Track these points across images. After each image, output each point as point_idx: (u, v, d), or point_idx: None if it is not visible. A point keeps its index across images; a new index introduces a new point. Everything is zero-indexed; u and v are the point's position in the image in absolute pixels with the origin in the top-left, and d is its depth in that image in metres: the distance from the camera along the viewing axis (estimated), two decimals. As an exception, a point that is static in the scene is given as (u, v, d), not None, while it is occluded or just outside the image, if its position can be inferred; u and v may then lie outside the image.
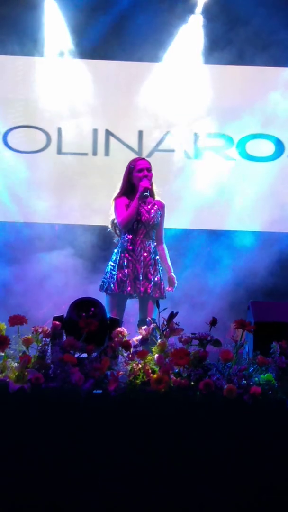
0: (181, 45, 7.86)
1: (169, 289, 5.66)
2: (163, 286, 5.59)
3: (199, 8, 7.81)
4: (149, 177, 5.59)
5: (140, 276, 5.52)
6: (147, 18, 7.60)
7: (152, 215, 5.62)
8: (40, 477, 3.44)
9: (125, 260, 5.56)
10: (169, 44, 7.86)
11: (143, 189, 5.50)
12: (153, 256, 5.59)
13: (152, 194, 5.68)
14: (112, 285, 5.54)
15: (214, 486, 3.45)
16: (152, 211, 5.63)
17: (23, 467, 3.44)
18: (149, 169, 5.61)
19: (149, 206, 5.64)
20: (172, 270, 5.74)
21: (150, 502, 3.44)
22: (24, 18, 7.59)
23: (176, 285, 5.72)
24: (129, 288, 5.51)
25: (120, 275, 5.53)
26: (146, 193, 5.52)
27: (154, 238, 5.66)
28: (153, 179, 5.71)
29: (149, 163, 5.67)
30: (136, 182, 5.59)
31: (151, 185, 5.65)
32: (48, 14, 7.80)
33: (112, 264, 5.61)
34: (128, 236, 5.60)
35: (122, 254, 5.59)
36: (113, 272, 5.57)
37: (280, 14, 7.59)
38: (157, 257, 5.63)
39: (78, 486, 3.44)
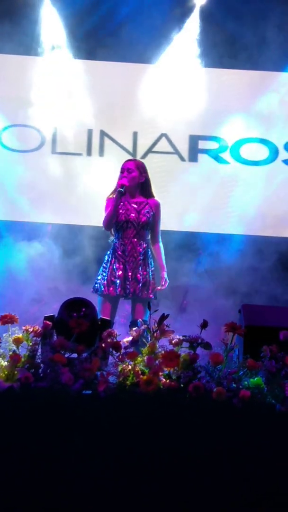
0: (177, 48, 7.87)
1: (159, 288, 5.63)
2: (152, 287, 5.56)
3: (196, 11, 7.82)
4: (129, 178, 5.56)
5: (129, 277, 5.51)
6: (144, 20, 7.61)
7: (141, 215, 5.58)
8: (29, 477, 3.43)
9: (116, 261, 5.55)
10: (165, 47, 7.87)
11: (119, 185, 5.50)
12: (142, 257, 5.57)
13: (146, 193, 5.65)
14: (102, 287, 5.53)
15: (203, 487, 3.45)
16: (143, 210, 5.60)
17: (11, 466, 3.44)
18: (130, 170, 5.58)
19: (138, 205, 5.59)
20: (166, 270, 5.69)
21: (139, 501, 3.44)
22: (20, 17, 7.59)
23: (166, 285, 5.67)
24: (119, 289, 5.50)
25: (111, 276, 5.53)
26: (121, 189, 5.50)
27: (147, 238, 5.63)
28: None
29: (135, 164, 5.64)
30: None
31: (142, 184, 5.62)
32: (44, 13, 7.80)
33: (104, 265, 5.61)
34: (119, 237, 5.59)
35: (113, 255, 5.58)
36: (104, 274, 5.56)
37: (277, 19, 7.61)
38: (149, 258, 5.60)
39: (67, 486, 3.43)
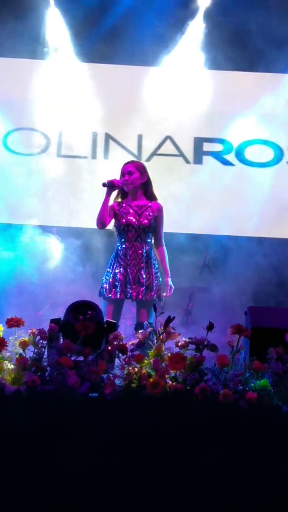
0: (181, 50, 7.89)
1: (165, 294, 5.61)
2: (155, 289, 5.53)
3: (200, 14, 7.83)
4: (129, 181, 5.56)
5: (131, 280, 5.49)
6: (149, 23, 7.62)
7: (142, 218, 5.56)
8: (34, 479, 3.44)
9: (117, 265, 5.54)
10: (169, 49, 7.89)
11: (108, 182, 5.48)
12: (145, 260, 5.54)
13: (148, 195, 5.64)
14: (104, 291, 5.53)
15: (209, 489, 3.45)
16: (145, 213, 5.58)
17: (18, 468, 3.44)
18: (130, 172, 5.58)
19: (139, 208, 5.58)
20: (170, 275, 5.67)
21: (145, 502, 3.44)
22: (25, 20, 7.61)
23: (172, 291, 5.65)
24: (120, 293, 5.48)
25: (113, 280, 5.52)
26: (104, 182, 5.48)
27: (148, 241, 5.61)
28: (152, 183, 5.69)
29: (134, 166, 5.61)
30: None
31: (144, 185, 5.60)
32: (49, 16, 7.82)
33: (108, 269, 5.60)
34: (121, 240, 5.58)
35: (115, 259, 5.57)
36: (107, 277, 5.55)
37: (281, 21, 7.61)
38: (152, 260, 5.58)
39: (73, 488, 3.43)
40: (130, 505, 3.43)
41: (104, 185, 5.49)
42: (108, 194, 5.54)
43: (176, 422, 3.49)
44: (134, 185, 5.57)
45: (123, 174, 5.60)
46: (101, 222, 5.58)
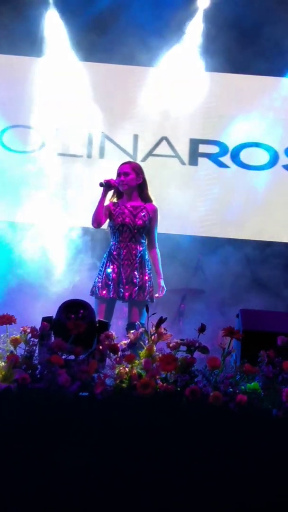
0: (179, 51, 7.90)
1: (157, 295, 5.61)
2: (148, 290, 5.54)
3: (199, 15, 7.84)
4: (125, 181, 5.56)
5: (124, 280, 5.49)
6: (147, 23, 7.63)
7: (137, 218, 5.57)
8: (24, 478, 3.43)
9: (111, 264, 5.53)
10: (167, 50, 7.89)
11: (105, 182, 5.48)
12: (139, 260, 5.55)
13: (144, 196, 5.64)
14: (97, 290, 5.52)
15: (199, 491, 3.45)
16: (140, 214, 5.58)
17: (7, 467, 3.44)
18: (126, 173, 5.58)
19: (134, 209, 5.58)
20: (162, 277, 5.67)
21: (134, 504, 3.44)
22: (23, 18, 7.61)
23: (164, 292, 5.65)
24: (112, 293, 5.47)
25: (106, 279, 5.51)
26: (101, 181, 5.48)
27: (142, 241, 5.61)
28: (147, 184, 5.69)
29: (130, 166, 5.62)
30: None
31: (139, 186, 5.61)
32: (47, 15, 7.82)
33: (100, 268, 5.60)
34: (115, 240, 5.58)
35: (109, 258, 5.57)
36: (100, 276, 5.55)
37: (280, 24, 7.62)
38: (146, 261, 5.58)
39: (63, 488, 3.43)
40: (121, 504, 3.43)
41: (101, 184, 5.49)
42: (104, 194, 5.54)
43: (166, 423, 3.49)
44: (129, 186, 5.57)
45: (119, 174, 5.60)
46: (97, 221, 5.58)
